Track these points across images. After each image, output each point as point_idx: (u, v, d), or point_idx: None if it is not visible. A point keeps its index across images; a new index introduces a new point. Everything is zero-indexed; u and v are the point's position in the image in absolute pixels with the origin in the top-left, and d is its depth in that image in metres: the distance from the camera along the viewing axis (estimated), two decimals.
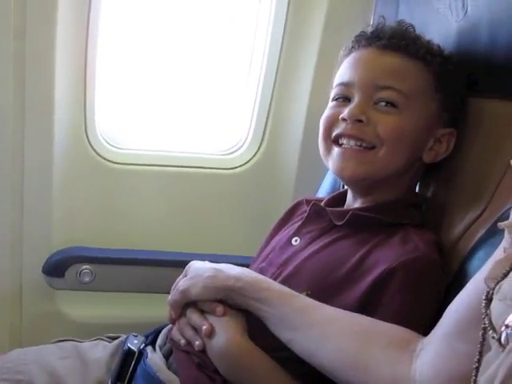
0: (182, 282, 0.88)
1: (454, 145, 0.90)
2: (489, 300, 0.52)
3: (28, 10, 1.12)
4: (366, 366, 0.69)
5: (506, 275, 0.51)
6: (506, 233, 0.56)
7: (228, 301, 0.84)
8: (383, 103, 0.86)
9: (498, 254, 0.59)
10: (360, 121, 0.85)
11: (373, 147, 0.86)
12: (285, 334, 0.78)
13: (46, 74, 1.18)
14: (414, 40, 0.90)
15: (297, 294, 0.80)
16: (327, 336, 0.74)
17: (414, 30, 0.93)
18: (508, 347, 0.45)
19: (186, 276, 0.89)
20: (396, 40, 0.89)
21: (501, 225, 0.56)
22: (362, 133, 0.85)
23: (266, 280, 0.84)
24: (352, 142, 0.86)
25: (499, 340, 0.48)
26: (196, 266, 0.89)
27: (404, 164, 0.88)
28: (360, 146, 0.86)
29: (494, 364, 0.46)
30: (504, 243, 0.57)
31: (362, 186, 0.90)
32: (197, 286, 0.85)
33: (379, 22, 0.93)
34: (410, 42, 0.89)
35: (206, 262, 0.90)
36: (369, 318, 0.75)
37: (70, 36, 1.19)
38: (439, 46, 0.91)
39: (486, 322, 0.51)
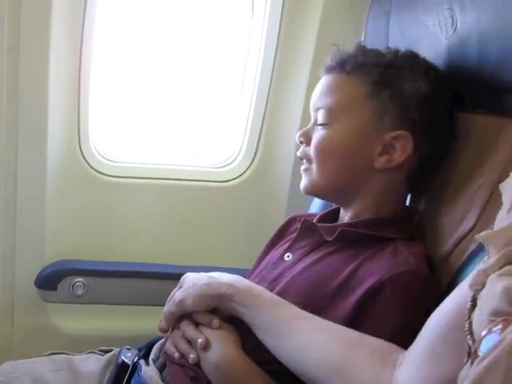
0: (177, 293, 0.88)
1: (413, 147, 0.87)
2: (473, 304, 0.51)
3: (22, 24, 1.13)
4: (349, 371, 0.69)
5: (483, 286, 0.50)
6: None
7: (220, 308, 0.84)
8: (318, 123, 0.92)
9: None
10: (302, 142, 0.94)
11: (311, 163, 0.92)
12: (272, 341, 0.78)
13: (39, 87, 1.18)
14: (353, 56, 0.91)
15: (288, 303, 0.81)
16: (314, 342, 0.75)
17: (364, 47, 0.95)
18: (477, 361, 0.44)
19: (181, 287, 0.89)
20: (336, 60, 0.92)
21: (477, 237, 0.53)
22: (303, 154, 0.94)
23: (258, 288, 0.85)
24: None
25: (469, 352, 0.47)
26: (191, 276, 0.90)
27: (349, 173, 0.90)
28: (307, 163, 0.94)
29: (466, 379, 0.46)
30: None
31: (329, 199, 1.00)
32: (192, 295, 0.86)
33: (336, 49, 0.95)
34: (347, 59, 0.91)
35: (202, 273, 0.90)
36: (357, 332, 0.75)
37: (64, 48, 1.19)
38: (387, 53, 0.92)
39: (467, 325, 0.50)
